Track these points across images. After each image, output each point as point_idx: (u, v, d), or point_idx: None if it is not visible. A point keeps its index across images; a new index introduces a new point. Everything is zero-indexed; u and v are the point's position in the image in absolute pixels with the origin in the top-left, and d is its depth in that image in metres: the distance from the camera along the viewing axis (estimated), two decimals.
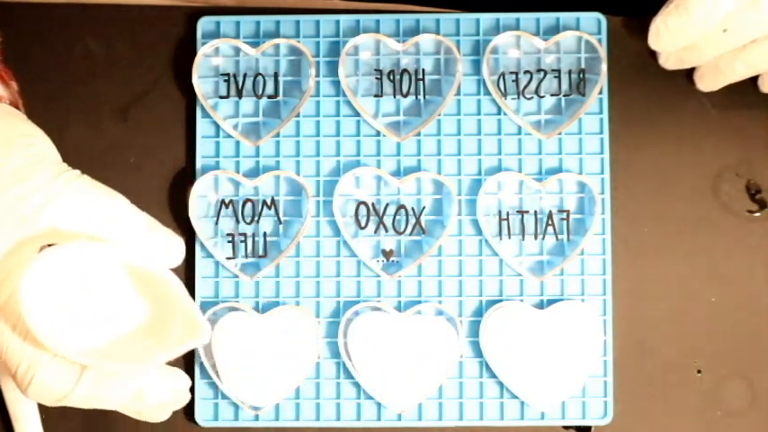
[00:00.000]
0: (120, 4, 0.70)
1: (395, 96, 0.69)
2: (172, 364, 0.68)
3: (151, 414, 0.62)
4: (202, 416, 0.68)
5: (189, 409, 0.68)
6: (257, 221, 0.68)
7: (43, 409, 0.68)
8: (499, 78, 0.68)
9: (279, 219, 0.68)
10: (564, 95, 0.68)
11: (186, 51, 0.69)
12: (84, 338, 0.58)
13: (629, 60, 0.69)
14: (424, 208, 0.68)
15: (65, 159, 0.69)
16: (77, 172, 0.61)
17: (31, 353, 0.58)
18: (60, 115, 0.69)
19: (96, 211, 0.59)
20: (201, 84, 0.68)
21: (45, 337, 0.57)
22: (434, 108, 0.68)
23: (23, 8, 0.69)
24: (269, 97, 0.69)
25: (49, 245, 0.58)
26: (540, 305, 0.68)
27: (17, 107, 0.63)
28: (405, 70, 0.69)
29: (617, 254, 0.68)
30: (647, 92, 0.69)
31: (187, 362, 0.68)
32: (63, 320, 0.58)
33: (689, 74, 0.68)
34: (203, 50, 0.68)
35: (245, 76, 0.69)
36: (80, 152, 0.69)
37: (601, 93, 0.68)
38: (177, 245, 0.61)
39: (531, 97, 0.68)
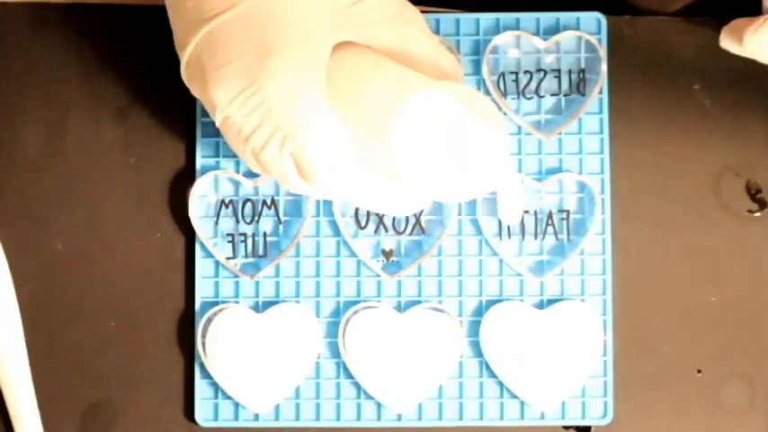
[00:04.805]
0: (120, 5, 0.70)
1: None
2: (171, 364, 0.68)
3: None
4: (202, 416, 0.68)
5: (189, 409, 0.68)
6: (257, 221, 0.68)
7: (43, 409, 0.68)
8: (499, 78, 0.68)
9: (279, 219, 0.68)
10: (564, 95, 0.68)
11: None
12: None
13: (629, 60, 0.69)
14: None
15: (65, 159, 0.69)
16: None
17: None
18: (60, 115, 0.69)
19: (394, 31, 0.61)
20: None
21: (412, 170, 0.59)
22: None
23: (23, 8, 0.69)
24: None
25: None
26: (540, 305, 0.68)
27: None
28: None
29: (617, 254, 0.68)
30: (647, 92, 0.69)
31: (187, 361, 0.68)
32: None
33: (689, 73, 0.69)
34: None
35: None
36: (80, 152, 0.69)
37: (601, 92, 0.68)
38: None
39: (531, 97, 0.68)
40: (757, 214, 0.69)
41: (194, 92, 0.60)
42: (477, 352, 0.68)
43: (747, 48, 0.63)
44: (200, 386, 0.68)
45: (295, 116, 0.57)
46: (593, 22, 0.69)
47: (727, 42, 0.64)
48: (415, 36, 0.61)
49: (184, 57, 0.59)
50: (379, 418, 0.68)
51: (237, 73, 0.57)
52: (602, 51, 0.68)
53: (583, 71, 0.68)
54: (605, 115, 0.68)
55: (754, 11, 0.64)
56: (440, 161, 0.59)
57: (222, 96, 0.58)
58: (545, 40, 0.68)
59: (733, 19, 0.67)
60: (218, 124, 0.59)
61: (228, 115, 0.58)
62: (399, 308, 0.68)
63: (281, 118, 0.57)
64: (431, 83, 0.59)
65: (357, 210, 0.68)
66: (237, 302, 0.68)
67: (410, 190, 0.60)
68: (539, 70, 0.68)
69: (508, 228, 0.68)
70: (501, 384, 0.67)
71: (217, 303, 0.68)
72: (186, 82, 0.60)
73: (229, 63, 0.58)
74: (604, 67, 0.68)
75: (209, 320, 0.67)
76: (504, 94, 0.68)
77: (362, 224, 0.68)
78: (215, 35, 0.58)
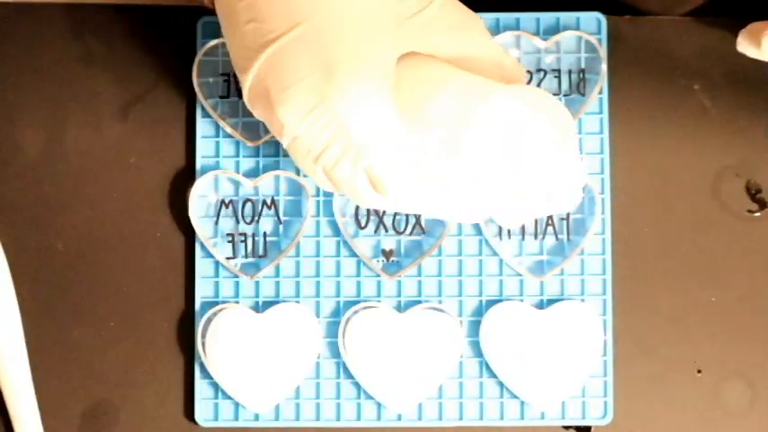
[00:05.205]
0: (120, 4, 0.70)
1: None
2: (171, 364, 0.68)
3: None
4: (202, 416, 0.68)
5: (189, 409, 0.68)
6: (257, 221, 0.68)
7: (43, 409, 0.68)
8: None
9: (279, 219, 0.68)
10: (564, 95, 0.68)
11: (186, 51, 0.69)
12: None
13: (629, 60, 0.69)
14: None
15: (65, 159, 0.69)
16: None
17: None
18: (60, 115, 0.69)
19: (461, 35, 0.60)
20: (201, 84, 0.68)
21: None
22: None
23: (23, 8, 0.69)
24: None
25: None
26: (540, 305, 0.68)
27: None
28: None
29: (617, 254, 0.68)
30: (647, 92, 0.69)
31: (187, 361, 0.68)
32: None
33: (689, 73, 0.69)
34: (203, 50, 0.68)
35: None
36: (80, 152, 0.69)
37: (601, 93, 0.68)
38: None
39: None
40: (757, 214, 0.69)
41: (258, 115, 0.60)
42: (477, 352, 0.68)
43: (766, 51, 0.62)
44: (200, 386, 0.68)
45: (366, 131, 0.57)
46: (593, 22, 0.69)
47: (744, 46, 0.64)
48: (477, 41, 0.61)
49: (247, 81, 0.59)
50: (379, 418, 0.68)
51: (305, 92, 0.57)
52: (602, 51, 0.68)
53: (583, 71, 0.68)
54: (605, 115, 0.68)
55: (761, 13, 0.64)
56: (511, 166, 0.59)
57: (291, 117, 0.58)
58: (545, 40, 0.68)
59: (733, 20, 0.67)
60: (285, 145, 0.59)
61: (298, 135, 0.58)
62: (399, 308, 0.68)
63: (353, 134, 0.57)
64: (497, 88, 0.59)
65: (357, 209, 0.68)
66: (237, 302, 0.68)
67: (480, 199, 0.60)
68: (539, 70, 0.68)
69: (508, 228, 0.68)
70: (501, 384, 0.67)
71: (217, 303, 0.68)
72: (249, 105, 0.60)
73: (296, 83, 0.57)
74: (604, 67, 0.68)
75: (209, 320, 0.67)
76: None
77: (362, 224, 0.68)
78: (278, 57, 0.58)
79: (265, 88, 0.58)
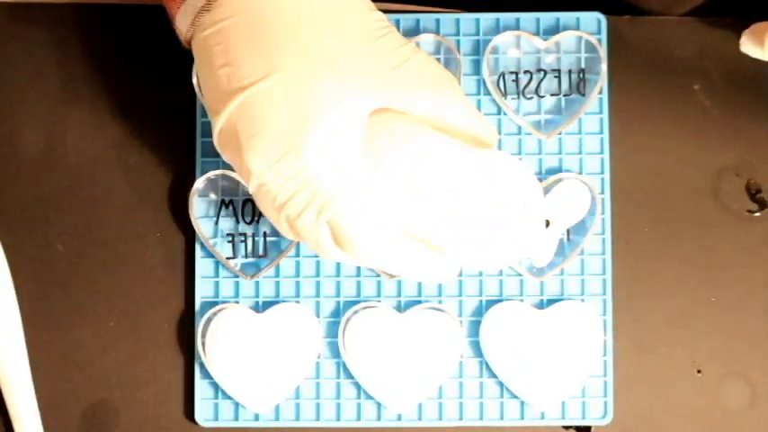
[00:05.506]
0: (120, 5, 0.70)
1: None
2: (171, 364, 0.68)
3: None
4: (202, 416, 0.68)
5: (189, 409, 0.68)
6: (257, 221, 0.68)
7: (43, 409, 0.68)
8: (499, 78, 0.68)
9: None
10: (564, 95, 0.68)
11: (186, 51, 0.69)
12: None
13: (629, 60, 0.69)
14: None
15: (65, 159, 0.69)
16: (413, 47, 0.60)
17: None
18: (60, 115, 0.69)
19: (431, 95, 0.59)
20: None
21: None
22: None
23: (23, 8, 0.69)
24: None
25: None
26: (540, 305, 0.68)
27: None
28: None
29: (617, 254, 0.68)
30: (647, 92, 0.69)
31: (187, 361, 0.68)
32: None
33: (689, 73, 0.69)
34: None
35: None
36: (80, 152, 0.69)
37: (601, 92, 0.68)
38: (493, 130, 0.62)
39: (531, 97, 0.68)
40: (757, 214, 0.69)
41: (227, 158, 0.60)
42: (477, 352, 0.68)
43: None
44: (200, 386, 0.68)
45: (333, 185, 0.57)
46: (593, 22, 0.69)
47: (747, 46, 0.63)
48: (452, 103, 0.60)
49: (217, 124, 0.59)
50: (379, 418, 0.68)
51: (275, 141, 0.57)
52: (602, 51, 0.68)
53: (583, 71, 0.68)
54: (605, 115, 0.68)
55: (762, 13, 0.64)
56: (473, 227, 0.59)
57: (258, 164, 0.57)
58: (545, 40, 0.68)
59: (734, 20, 0.67)
60: (251, 191, 0.59)
61: (264, 182, 0.58)
62: (399, 308, 0.68)
63: (319, 187, 0.57)
64: (461, 150, 0.58)
65: None
66: (237, 302, 0.68)
67: (447, 258, 0.59)
68: (539, 70, 0.68)
69: None
70: (501, 384, 0.67)
71: (217, 303, 0.68)
72: (218, 148, 0.60)
73: (266, 131, 0.57)
74: (604, 67, 0.68)
75: (209, 320, 0.67)
76: (504, 94, 0.68)
77: None
78: (250, 103, 0.57)
79: (235, 133, 0.58)
